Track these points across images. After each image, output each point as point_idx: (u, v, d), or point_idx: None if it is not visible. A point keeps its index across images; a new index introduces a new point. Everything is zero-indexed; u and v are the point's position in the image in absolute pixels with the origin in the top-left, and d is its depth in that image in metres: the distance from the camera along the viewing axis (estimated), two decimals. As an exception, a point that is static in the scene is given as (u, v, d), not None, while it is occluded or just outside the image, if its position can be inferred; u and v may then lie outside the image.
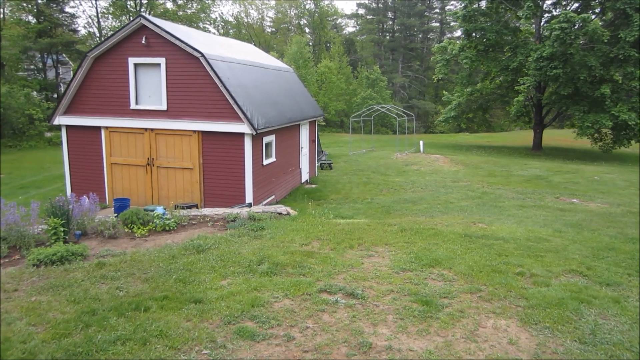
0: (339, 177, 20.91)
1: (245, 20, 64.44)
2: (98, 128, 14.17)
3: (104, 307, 5.09)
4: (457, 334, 4.75)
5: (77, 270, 6.14)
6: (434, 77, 41.75)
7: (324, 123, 43.14)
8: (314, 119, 19.76)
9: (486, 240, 8.12)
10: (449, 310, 5.24)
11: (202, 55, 12.71)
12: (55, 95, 35.51)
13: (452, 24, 62.44)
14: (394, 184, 19.14)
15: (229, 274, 6.25)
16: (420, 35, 68.74)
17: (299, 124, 17.79)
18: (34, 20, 34.75)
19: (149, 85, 13.64)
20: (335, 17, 67.05)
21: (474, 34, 33.43)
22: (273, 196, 15.29)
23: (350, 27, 74.86)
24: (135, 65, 13.54)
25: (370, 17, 67.89)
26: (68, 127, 14.50)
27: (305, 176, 19.14)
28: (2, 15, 35.20)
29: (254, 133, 12.88)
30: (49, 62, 35.93)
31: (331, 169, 23.18)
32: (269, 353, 4.35)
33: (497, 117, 49.99)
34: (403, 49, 64.38)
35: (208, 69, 12.79)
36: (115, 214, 8.98)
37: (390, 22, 67.69)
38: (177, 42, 12.91)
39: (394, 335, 4.71)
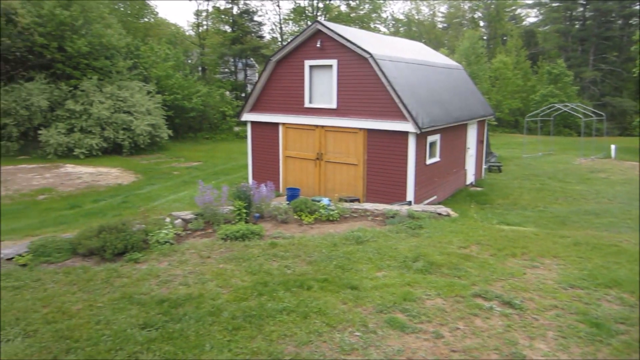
0: (509, 181, 19.67)
1: (416, 17, 64.06)
2: (277, 124, 15.75)
3: (274, 281, 5.80)
4: (630, 362, 4.28)
5: (255, 247, 7.07)
6: (634, 70, 36.07)
7: (495, 123, 40.67)
8: (484, 118, 18.91)
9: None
10: (624, 338, 4.70)
11: (371, 55, 13.21)
12: (243, 95, 40.18)
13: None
14: (573, 193, 17.32)
15: (384, 266, 6.53)
16: (620, 22, 59.78)
17: (466, 124, 17.24)
18: (229, 30, 39.78)
19: (322, 85, 14.67)
20: (514, 7, 62.45)
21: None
22: (435, 197, 15.15)
23: (531, 17, 68.89)
24: (310, 67, 14.68)
25: (557, 4, 61.43)
26: (252, 122, 16.42)
27: (470, 178, 18.48)
28: (205, 27, 41.06)
29: (418, 132, 12.94)
30: (239, 65, 40.79)
31: (500, 171, 21.90)
32: (417, 346, 4.50)
33: None
34: (596, 38, 56.75)
35: (376, 68, 13.24)
36: (287, 202, 9.98)
37: (581, 9, 60.33)
38: (348, 44, 13.63)
39: (552, 352, 4.44)
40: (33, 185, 17.81)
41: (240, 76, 41.56)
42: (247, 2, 38.27)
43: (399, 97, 12.95)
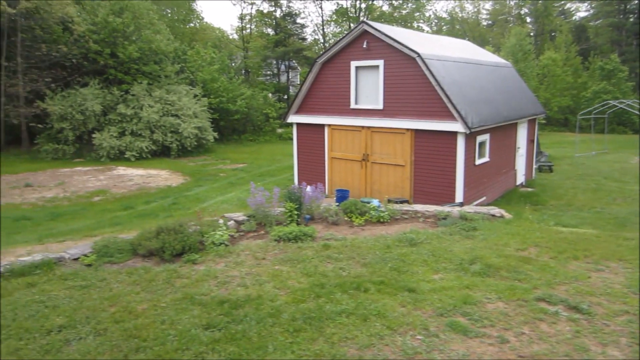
0: (561, 182, 18.93)
1: (460, 15, 62.79)
2: (322, 126, 15.79)
3: (330, 282, 5.80)
4: None
5: (308, 249, 7.10)
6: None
7: (544, 121, 39.29)
8: (534, 117, 18.29)
9: None
10: None
11: (419, 55, 13.03)
12: (286, 97, 40.57)
13: None
14: (632, 193, 16.48)
15: (440, 269, 6.41)
16: (677, 14, 56.54)
17: (516, 123, 16.72)
18: (272, 33, 40.29)
19: (367, 86, 14.59)
20: (563, 2, 60.12)
21: None
22: (484, 197, 14.77)
23: (581, 12, 66.17)
24: (357, 68, 14.64)
25: (610, -3, 58.70)
26: (298, 124, 16.53)
27: (520, 178, 17.91)
28: (249, 31, 41.75)
29: (468, 132, 12.66)
30: (282, 67, 41.23)
31: (551, 171, 21.11)
32: (482, 351, 4.38)
33: None
34: (652, 32, 53.92)
35: (423, 68, 13.05)
36: (337, 203, 9.97)
37: (637, 1, 57.38)
38: (394, 44, 13.50)
39: None
40: (88, 187, 18.62)
41: (283, 78, 42.01)
42: (290, 4, 38.54)
43: (447, 96, 12.71)
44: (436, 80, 12.86)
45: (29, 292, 5.69)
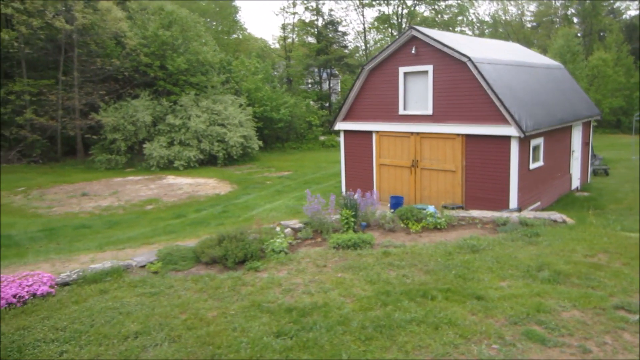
0: (619, 185, 18.10)
1: (503, 17, 61.36)
2: (370, 132, 15.74)
3: (396, 290, 5.74)
4: None
5: (368, 256, 7.06)
6: None
7: (595, 123, 37.69)
8: (589, 119, 17.60)
9: None
10: None
11: (469, 59, 12.80)
12: (327, 104, 40.75)
13: None
14: (698, 197, 15.55)
15: (507, 276, 6.23)
16: None
17: (571, 125, 16.14)
18: (314, 41, 40.64)
19: (416, 91, 14.45)
20: (612, 0, 57.72)
21: None
22: (539, 202, 14.30)
23: (633, 10, 63.22)
24: (405, 73, 14.53)
25: (663, -6, 55.97)
26: (345, 131, 16.54)
27: (575, 182, 17.24)
28: (291, 40, 42.32)
29: (522, 136, 12.31)
30: (324, 75, 41.48)
31: (607, 175, 20.23)
32: (563, 361, 4.22)
33: None
34: None
35: (475, 72, 12.82)
36: (391, 210, 9.89)
37: (692, -3, 54.48)
38: (444, 49, 13.32)
39: None
40: (141, 196, 19.25)
41: (325, 86, 42.27)
42: (332, 13, 38.82)
43: (500, 100, 12.43)
44: (488, 84, 12.60)
45: (102, 298, 5.90)
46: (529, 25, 63.51)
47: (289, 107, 32.99)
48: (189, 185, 21.36)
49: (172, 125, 26.42)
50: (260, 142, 29.17)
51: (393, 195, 11.33)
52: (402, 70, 14.54)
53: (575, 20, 57.48)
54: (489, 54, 14.60)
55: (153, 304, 5.71)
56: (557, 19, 58.96)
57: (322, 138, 36.25)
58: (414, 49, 14.03)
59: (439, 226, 8.78)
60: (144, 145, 25.73)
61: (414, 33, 13.95)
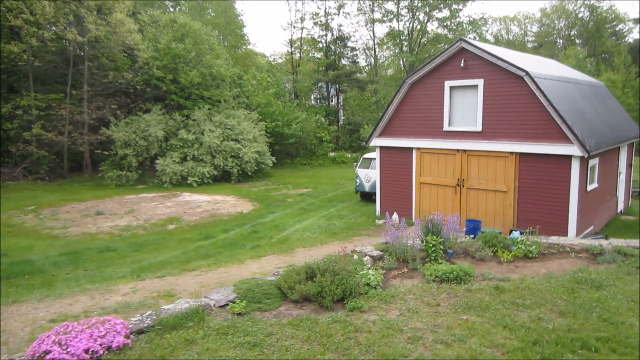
0: (659, 208, 17.43)
1: (505, 37, 61.58)
2: (410, 149, 14.92)
3: (545, 339, 4.83)
4: None
5: (479, 292, 6.14)
6: None
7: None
8: (633, 140, 16.95)
9: None
10: None
11: (527, 73, 12.10)
12: (336, 120, 40.02)
13: None
14: None
15: (657, 320, 5.35)
16: None
17: (619, 146, 15.46)
18: (322, 56, 40.08)
19: (463, 106, 13.70)
20: (614, 22, 58.25)
21: None
22: (592, 227, 13.51)
23: (635, 34, 63.69)
24: (451, 87, 13.79)
25: (665, 16, 56.51)
26: (382, 147, 15.70)
27: (620, 205, 16.53)
28: (298, 55, 41.72)
29: (586, 155, 11.56)
30: (332, 91, 40.86)
31: (642, 197, 19.56)
32: None
33: None
34: None
35: (533, 87, 12.09)
36: (468, 235, 9.00)
37: (694, 19, 55.03)
38: (498, 62, 12.62)
39: None
40: (159, 215, 18.17)
41: (332, 102, 41.62)
42: (341, 28, 38.38)
43: (561, 117, 11.68)
44: (548, 99, 11.87)
45: (191, 351, 4.82)
46: (530, 45, 63.79)
47: (301, 122, 32.21)
48: (207, 203, 20.32)
49: (185, 140, 25.44)
50: (274, 158, 28.27)
51: (469, 219, 10.44)
52: (447, 84, 13.79)
53: (577, 41, 57.76)
54: (541, 69, 13.93)
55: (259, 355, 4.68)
56: (560, 40, 59.26)
57: (331, 154, 35.44)
58: (462, 62, 13.31)
59: (529, 254, 7.91)
60: (157, 161, 24.68)
61: (463, 45, 13.25)
